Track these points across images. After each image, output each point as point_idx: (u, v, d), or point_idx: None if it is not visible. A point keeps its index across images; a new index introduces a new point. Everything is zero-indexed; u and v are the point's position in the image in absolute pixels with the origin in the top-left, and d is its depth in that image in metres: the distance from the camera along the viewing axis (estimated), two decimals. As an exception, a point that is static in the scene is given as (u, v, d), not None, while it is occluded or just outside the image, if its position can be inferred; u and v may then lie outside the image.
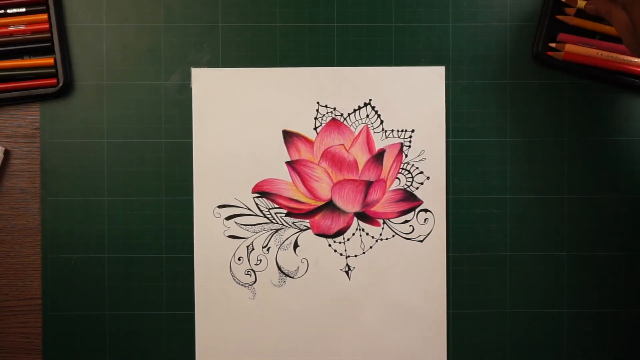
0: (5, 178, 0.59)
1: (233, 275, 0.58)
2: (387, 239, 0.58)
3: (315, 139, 0.58)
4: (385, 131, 0.58)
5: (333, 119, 0.58)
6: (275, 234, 0.58)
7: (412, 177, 0.59)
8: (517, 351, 0.59)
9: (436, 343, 0.58)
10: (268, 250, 0.59)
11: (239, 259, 0.58)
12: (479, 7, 0.59)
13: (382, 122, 0.58)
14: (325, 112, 0.58)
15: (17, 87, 0.57)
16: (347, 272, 0.59)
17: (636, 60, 0.57)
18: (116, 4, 0.58)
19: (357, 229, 0.59)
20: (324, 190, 0.58)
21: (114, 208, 0.58)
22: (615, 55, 0.57)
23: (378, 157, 0.58)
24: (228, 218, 0.58)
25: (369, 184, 0.58)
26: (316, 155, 0.58)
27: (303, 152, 0.58)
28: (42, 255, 0.58)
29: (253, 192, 0.58)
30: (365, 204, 0.58)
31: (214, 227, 0.58)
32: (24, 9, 0.58)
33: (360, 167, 0.58)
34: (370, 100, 0.58)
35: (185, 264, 0.58)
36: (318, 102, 0.58)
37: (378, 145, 0.58)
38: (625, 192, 0.59)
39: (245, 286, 0.59)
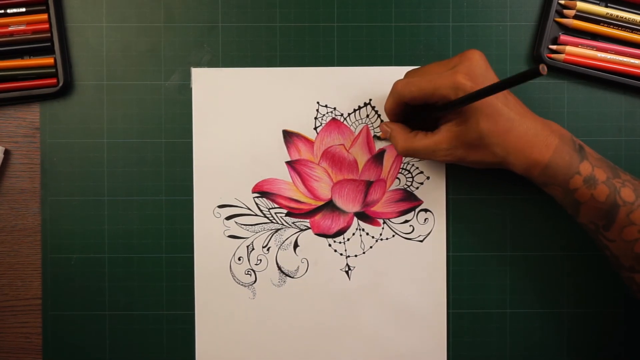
0: (5, 178, 0.59)
1: (233, 275, 0.58)
2: (387, 239, 0.58)
3: (315, 138, 0.58)
4: (386, 131, 0.58)
5: (333, 119, 0.58)
6: (275, 234, 0.58)
7: (412, 177, 0.59)
8: (517, 351, 0.59)
9: (436, 343, 0.58)
10: (268, 250, 0.59)
11: (239, 259, 0.58)
12: (479, 7, 0.59)
13: (382, 122, 0.58)
14: (325, 112, 0.58)
15: (17, 87, 0.57)
16: (347, 272, 0.59)
17: (637, 62, 0.57)
18: (116, 4, 0.58)
19: (357, 229, 0.59)
20: (324, 190, 0.58)
21: (114, 208, 0.58)
22: (615, 57, 0.57)
23: (378, 157, 0.58)
24: (228, 218, 0.58)
25: (369, 184, 0.58)
26: (316, 155, 0.58)
27: (303, 152, 0.58)
28: (42, 255, 0.58)
29: (253, 192, 0.58)
30: (365, 203, 0.58)
31: (214, 227, 0.58)
32: (24, 9, 0.57)
33: (360, 167, 0.58)
34: (370, 100, 0.58)
35: (185, 264, 0.58)
36: (318, 102, 0.58)
37: (378, 145, 0.58)
38: (625, 192, 0.59)
39: (245, 286, 0.59)
